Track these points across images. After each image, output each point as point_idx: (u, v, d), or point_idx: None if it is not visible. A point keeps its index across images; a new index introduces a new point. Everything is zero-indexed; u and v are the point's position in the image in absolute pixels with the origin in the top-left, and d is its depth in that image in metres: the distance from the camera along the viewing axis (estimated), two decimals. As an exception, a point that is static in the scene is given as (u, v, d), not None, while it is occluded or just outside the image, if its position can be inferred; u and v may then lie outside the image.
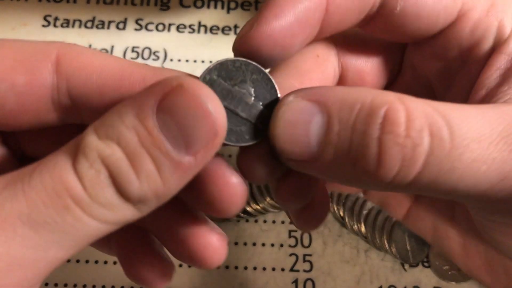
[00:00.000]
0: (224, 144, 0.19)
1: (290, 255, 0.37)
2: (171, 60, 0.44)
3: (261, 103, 0.20)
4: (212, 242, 0.22)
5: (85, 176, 0.16)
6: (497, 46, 0.22)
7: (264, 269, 0.37)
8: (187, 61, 0.44)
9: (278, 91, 0.21)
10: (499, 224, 0.22)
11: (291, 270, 0.37)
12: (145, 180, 0.17)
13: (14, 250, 0.16)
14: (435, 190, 0.18)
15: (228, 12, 0.44)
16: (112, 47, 0.44)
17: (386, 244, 0.36)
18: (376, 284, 0.36)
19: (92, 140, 0.16)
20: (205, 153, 0.17)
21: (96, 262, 0.36)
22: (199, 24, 0.43)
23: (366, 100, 0.18)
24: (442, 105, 0.18)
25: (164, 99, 0.16)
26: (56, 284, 0.36)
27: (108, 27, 0.45)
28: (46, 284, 0.36)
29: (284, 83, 0.22)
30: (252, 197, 0.37)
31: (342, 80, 0.25)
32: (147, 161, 0.16)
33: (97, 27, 0.45)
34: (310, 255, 0.37)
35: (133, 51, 0.44)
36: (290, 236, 0.38)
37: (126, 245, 0.24)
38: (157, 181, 0.17)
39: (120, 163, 0.16)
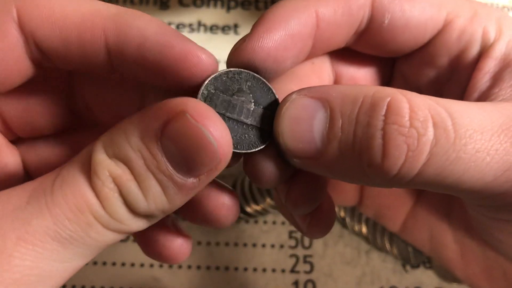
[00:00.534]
0: (236, 153, 0.20)
1: (291, 256, 0.37)
2: (171, 59, 0.44)
3: (262, 107, 0.21)
4: (225, 201, 0.23)
5: (99, 194, 0.18)
6: (484, 51, 0.22)
7: (264, 270, 0.36)
8: (187, 60, 0.44)
9: (275, 92, 0.21)
10: (501, 222, 0.22)
11: (292, 271, 0.37)
12: (152, 201, 0.18)
13: (44, 264, 0.17)
14: (440, 183, 0.18)
15: (228, 11, 0.44)
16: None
17: (387, 245, 0.36)
18: (377, 285, 0.36)
19: (102, 159, 0.18)
20: (209, 175, 0.18)
21: (95, 263, 0.36)
22: (199, 23, 0.43)
23: (369, 93, 0.18)
24: (442, 99, 0.18)
25: (167, 124, 0.17)
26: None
27: (108, 27, 0.45)
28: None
29: (282, 87, 0.22)
30: (252, 197, 0.37)
31: None
32: (153, 183, 0.18)
33: (96, 27, 0.45)
34: (310, 256, 0.37)
35: (132, 51, 0.44)
36: (290, 237, 0.37)
37: None
38: (163, 201, 0.18)
39: (129, 184, 0.18)
